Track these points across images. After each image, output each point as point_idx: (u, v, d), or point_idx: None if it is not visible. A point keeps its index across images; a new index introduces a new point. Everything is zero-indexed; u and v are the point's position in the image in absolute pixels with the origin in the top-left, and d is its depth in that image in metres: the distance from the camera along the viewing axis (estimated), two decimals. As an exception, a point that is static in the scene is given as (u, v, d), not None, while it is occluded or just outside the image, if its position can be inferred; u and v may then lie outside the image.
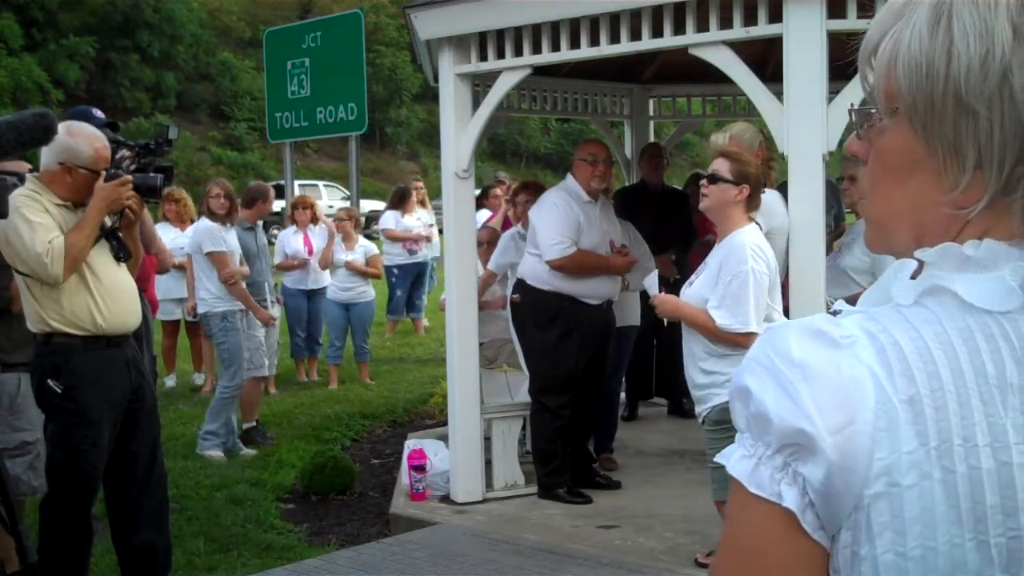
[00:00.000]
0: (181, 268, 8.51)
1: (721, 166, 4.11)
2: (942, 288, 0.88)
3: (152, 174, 4.18)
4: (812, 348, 0.86)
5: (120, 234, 4.20)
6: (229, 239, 7.26)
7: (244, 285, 7.28)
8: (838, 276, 4.55)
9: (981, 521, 0.82)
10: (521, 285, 5.91)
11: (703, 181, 4.20)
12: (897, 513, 0.82)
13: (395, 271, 11.82)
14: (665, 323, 4.75)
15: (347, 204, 21.68)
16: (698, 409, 4.20)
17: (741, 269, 3.97)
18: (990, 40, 0.86)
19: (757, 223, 4.17)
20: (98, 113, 4.69)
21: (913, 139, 0.90)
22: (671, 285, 6.88)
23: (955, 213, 0.89)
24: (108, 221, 4.15)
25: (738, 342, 3.95)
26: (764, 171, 4.65)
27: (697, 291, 4.12)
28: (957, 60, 0.87)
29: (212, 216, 7.28)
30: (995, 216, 0.89)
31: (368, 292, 9.76)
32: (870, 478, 0.83)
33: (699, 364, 4.13)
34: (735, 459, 0.89)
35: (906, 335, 0.86)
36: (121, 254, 4.19)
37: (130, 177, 4.12)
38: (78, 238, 3.96)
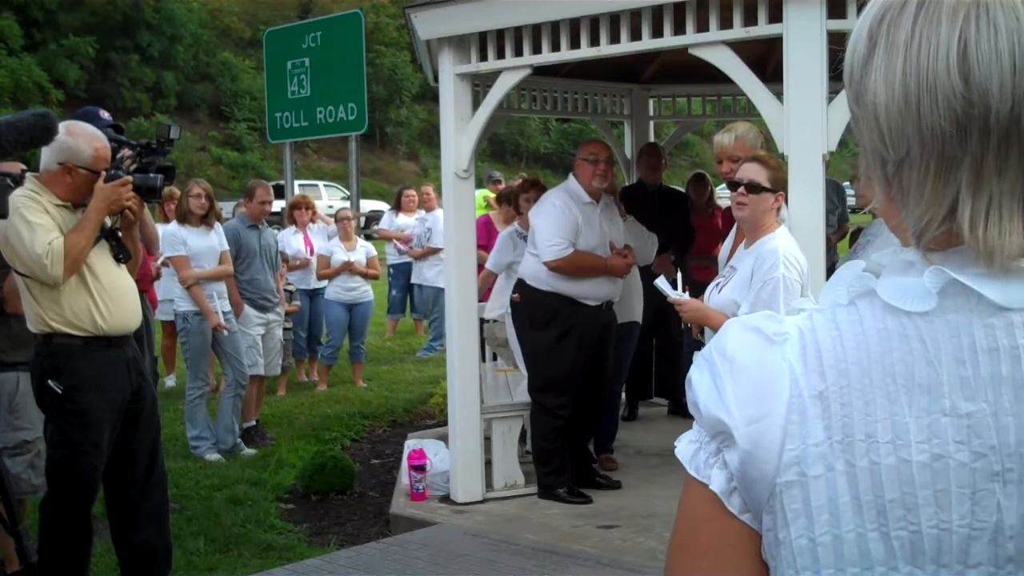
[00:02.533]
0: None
1: (759, 174, 4.00)
2: (873, 290, 0.91)
3: (152, 175, 4.17)
4: (745, 344, 0.92)
5: (120, 235, 4.20)
6: (198, 241, 7.24)
7: (216, 284, 7.29)
8: None
9: (882, 514, 0.85)
10: (521, 285, 5.92)
11: (741, 189, 4.04)
12: (807, 501, 0.87)
13: (390, 270, 11.92)
14: (673, 321, 4.59)
15: (347, 204, 21.67)
16: None
17: (772, 276, 3.89)
18: (853, 44, 0.91)
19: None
20: (104, 114, 4.68)
21: None
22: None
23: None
24: (108, 222, 4.15)
25: None
26: None
27: (728, 295, 4.03)
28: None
29: (185, 217, 7.27)
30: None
31: (369, 292, 9.79)
32: (782, 467, 0.87)
33: None
34: (683, 443, 0.97)
35: (828, 334, 0.90)
36: (121, 255, 4.19)
37: (130, 178, 4.11)
38: (78, 239, 3.96)
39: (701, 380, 0.93)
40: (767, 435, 0.88)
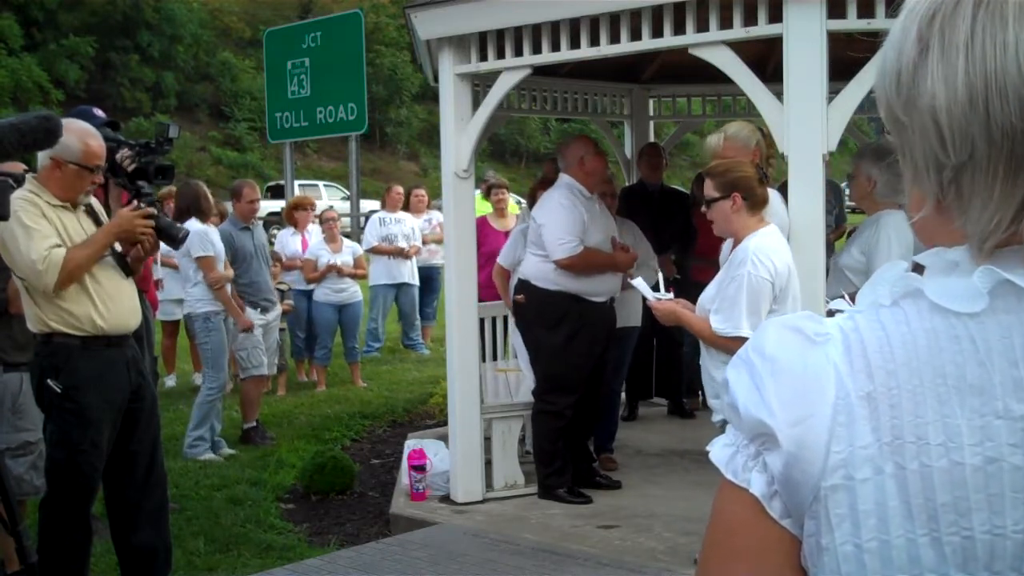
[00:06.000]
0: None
1: (707, 190, 4.15)
2: (918, 290, 0.89)
3: (179, 225, 4.21)
4: (786, 344, 0.90)
5: (127, 259, 4.20)
6: (216, 241, 7.26)
7: (228, 287, 7.32)
8: (837, 275, 4.59)
9: (933, 519, 0.83)
10: (525, 286, 5.86)
11: (703, 209, 4.20)
12: (853, 505, 0.85)
13: None
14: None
15: (347, 204, 21.64)
16: (715, 417, 4.23)
17: (738, 272, 3.98)
18: (899, 48, 0.89)
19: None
20: (99, 112, 4.68)
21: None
22: (675, 284, 6.90)
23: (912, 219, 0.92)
24: (118, 247, 4.16)
25: (729, 347, 3.91)
26: (763, 166, 4.64)
27: (707, 293, 4.14)
28: (885, 72, 0.91)
29: (202, 217, 7.24)
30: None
31: (357, 292, 9.79)
32: (827, 470, 0.85)
33: (712, 372, 4.15)
34: (718, 447, 0.95)
35: (873, 334, 0.88)
36: (124, 270, 4.20)
37: (154, 211, 4.13)
38: (79, 256, 3.94)
39: (739, 381, 0.91)
40: (812, 437, 0.86)
